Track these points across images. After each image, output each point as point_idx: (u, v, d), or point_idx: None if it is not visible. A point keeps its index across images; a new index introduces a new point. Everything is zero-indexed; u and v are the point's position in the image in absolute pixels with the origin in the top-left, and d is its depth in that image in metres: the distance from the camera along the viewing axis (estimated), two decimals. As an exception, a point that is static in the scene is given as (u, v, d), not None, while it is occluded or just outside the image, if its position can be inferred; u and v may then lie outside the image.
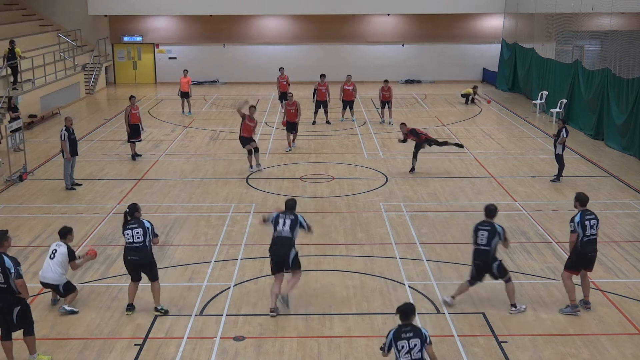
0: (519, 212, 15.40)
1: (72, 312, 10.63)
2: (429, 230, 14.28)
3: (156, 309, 10.60)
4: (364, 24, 36.71)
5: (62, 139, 16.92)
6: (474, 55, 37.11)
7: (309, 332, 10.11)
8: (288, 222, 10.47)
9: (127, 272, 12.09)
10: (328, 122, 25.21)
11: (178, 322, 10.38)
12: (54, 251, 10.75)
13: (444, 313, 10.65)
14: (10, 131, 18.13)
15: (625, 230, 14.31)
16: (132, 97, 20.48)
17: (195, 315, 10.61)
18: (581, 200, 10.65)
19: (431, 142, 18.33)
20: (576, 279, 10.67)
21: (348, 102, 25.34)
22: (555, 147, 17.68)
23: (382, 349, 7.76)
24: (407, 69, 36.80)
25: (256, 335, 10.00)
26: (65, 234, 10.89)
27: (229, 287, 11.53)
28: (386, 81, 25.19)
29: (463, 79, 37.01)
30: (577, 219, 10.40)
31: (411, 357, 7.52)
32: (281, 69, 27.99)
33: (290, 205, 10.79)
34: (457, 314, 10.60)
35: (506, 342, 9.77)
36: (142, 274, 10.60)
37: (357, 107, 28.39)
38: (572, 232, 10.42)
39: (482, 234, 10.40)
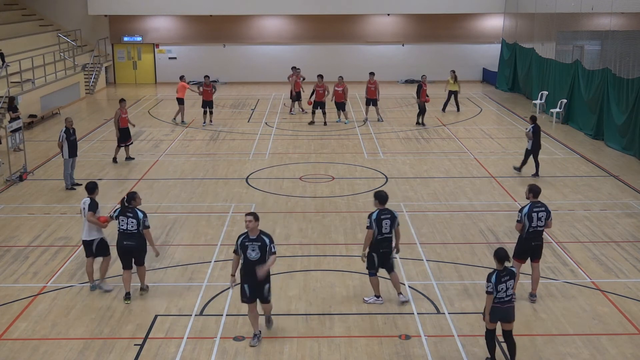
0: (519, 212, 15.39)
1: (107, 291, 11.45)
2: (429, 230, 14.28)
3: (142, 289, 11.30)
4: (364, 24, 36.69)
5: (60, 139, 17.02)
6: (474, 55, 37.08)
7: (309, 332, 10.11)
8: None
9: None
10: (325, 124, 25.08)
11: (178, 322, 10.38)
12: (83, 209, 11.67)
13: (444, 313, 10.65)
14: (10, 131, 18.12)
15: (625, 230, 14.31)
16: (122, 100, 20.12)
17: (195, 315, 10.61)
18: (534, 191, 10.89)
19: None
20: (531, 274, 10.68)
21: (339, 104, 25.28)
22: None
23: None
24: (407, 69, 36.76)
25: (256, 335, 10.00)
26: (92, 189, 11.71)
27: (229, 287, 11.52)
28: (371, 74, 25.62)
29: (463, 79, 36.87)
30: (525, 210, 10.68)
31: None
32: (298, 69, 27.94)
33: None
34: (457, 314, 10.60)
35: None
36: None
37: (357, 108, 28.42)
38: (518, 221, 10.71)
39: (386, 223, 10.68)
